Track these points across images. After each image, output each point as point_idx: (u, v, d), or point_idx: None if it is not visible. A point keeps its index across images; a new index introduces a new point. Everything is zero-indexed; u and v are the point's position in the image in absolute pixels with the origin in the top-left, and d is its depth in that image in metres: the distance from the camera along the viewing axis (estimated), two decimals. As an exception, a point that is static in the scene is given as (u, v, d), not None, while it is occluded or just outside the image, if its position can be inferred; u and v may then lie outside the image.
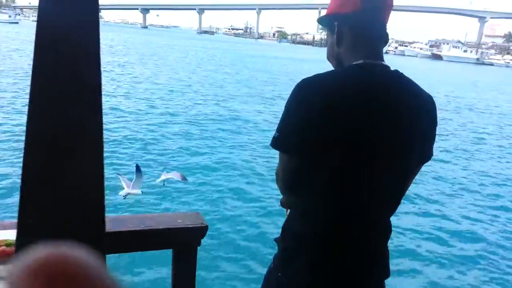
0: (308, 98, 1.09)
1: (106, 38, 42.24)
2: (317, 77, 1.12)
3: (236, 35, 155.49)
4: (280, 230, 1.30)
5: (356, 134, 1.09)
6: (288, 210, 1.34)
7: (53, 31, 0.44)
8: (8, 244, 1.10)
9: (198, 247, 1.48)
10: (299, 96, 1.11)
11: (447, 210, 6.18)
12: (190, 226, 1.42)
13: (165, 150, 7.66)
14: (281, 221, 1.35)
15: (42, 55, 0.44)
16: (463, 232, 5.48)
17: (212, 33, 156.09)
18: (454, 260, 4.69)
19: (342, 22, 1.17)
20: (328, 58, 1.27)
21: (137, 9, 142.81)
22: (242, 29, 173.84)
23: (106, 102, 10.83)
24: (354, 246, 1.18)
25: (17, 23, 64.13)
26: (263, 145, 8.54)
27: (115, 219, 1.40)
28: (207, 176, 6.68)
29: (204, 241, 1.49)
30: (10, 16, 72.07)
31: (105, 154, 0.56)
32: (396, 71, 1.16)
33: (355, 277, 1.19)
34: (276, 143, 1.15)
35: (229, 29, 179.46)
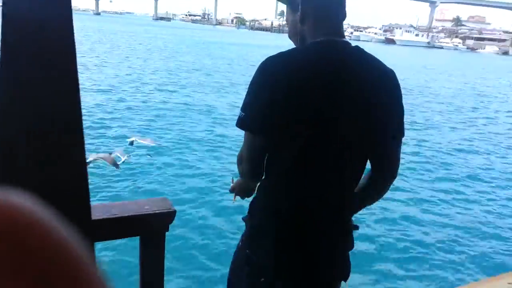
0: (271, 77, 1.10)
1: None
2: (280, 56, 1.13)
3: (193, 21, 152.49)
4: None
5: (319, 113, 1.11)
6: (236, 197, 1.39)
7: (22, 26, 0.42)
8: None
9: (167, 233, 1.47)
10: (263, 75, 1.12)
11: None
12: (157, 211, 1.41)
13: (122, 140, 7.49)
14: (247, 201, 1.37)
15: (9, 52, 0.42)
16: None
17: (169, 19, 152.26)
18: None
19: (306, 0, 1.18)
20: (290, 37, 1.27)
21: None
22: (199, 15, 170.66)
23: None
24: (317, 222, 1.22)
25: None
26: (224, 126, 8.61)
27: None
28: (171, 161, 6.69)
29: (173, 226, 1.49)
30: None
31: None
32: (357, 47, 1.17)
33: (319, 252, 1.23)
34: (242, 123, 1.15)
35: (186, 15, 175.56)
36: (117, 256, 3.74)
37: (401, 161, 1.26)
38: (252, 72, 1.15)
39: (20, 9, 0.41)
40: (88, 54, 19.40)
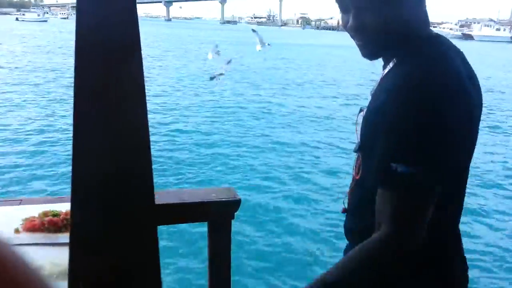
0: (443, 104, 0.77)
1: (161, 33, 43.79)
2: (432, 71, 0.80)
3: (259, 23, 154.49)
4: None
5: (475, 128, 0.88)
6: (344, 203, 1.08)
7: (93, 31, 0.47)
8: (54, 214, 1.19)
9: (232, 221, 1.55)
10: (431, 105, 0.77)
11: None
12: (223, 200, 1.49)
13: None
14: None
15: (83, 56, 0.47)
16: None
17: (235, 22, 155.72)
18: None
19: None
20: (376, 34, 0.87)
21: (161, 2, 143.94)
22: (265, 17, 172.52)
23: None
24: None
25: (45, 21, 66.10)
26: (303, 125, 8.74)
27: (156, 193, 1.47)
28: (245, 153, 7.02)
29: (238, 215, 1.56)
30: (38, 15, 74.43)
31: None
32: None
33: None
34: (420, 182, 0.78)
35: (252, 18, 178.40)
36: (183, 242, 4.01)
37: None
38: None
39: (92, 19, 0.46)
40: (162, 57, 20.50)
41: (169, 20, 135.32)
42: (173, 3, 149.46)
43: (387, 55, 0.91)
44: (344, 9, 0.89)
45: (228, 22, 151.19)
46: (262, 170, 6.33)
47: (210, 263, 1.58)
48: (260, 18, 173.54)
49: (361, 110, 0.96)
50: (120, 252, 0.44)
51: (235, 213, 1.53)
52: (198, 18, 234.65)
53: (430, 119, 0.76)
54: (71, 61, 0.49)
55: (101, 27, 0.48)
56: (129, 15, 0.48)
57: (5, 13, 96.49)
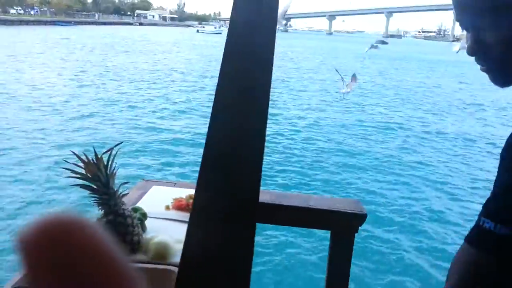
0: None
1: (291, 45, 46.11)
2: None
3: (426, 38, 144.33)
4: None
5: None
6: None
7: (239, 41, 0.55)
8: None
9: (356, 234, 1.52)
10: None
11: None
12: (349, 211, 1.48)
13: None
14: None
15: (227, 63, 0.55)
16: None
17: (400, 36, 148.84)
18: None
19: None
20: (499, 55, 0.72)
21: (325, 16, 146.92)
22: (434, 32, 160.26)
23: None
24: None
25: (220, 33, 74.36)
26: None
27: (282, 195, 1.56)
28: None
29: (363, 230, 1.53)
30: (215, 27, 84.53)
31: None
32: None
33: None
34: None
35: (420, 32, 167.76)
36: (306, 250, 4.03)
37: None
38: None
39: (241, 27, 0.54)
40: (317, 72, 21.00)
41: (331, 33, 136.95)
42: (336, 16, 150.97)
43: None
44: (464, 28, 0.75)
45: (392, 36, 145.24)
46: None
47: (328, 273, 1.59)
48: (429, 32, 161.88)
49: None
50: (222, 237, 0.50)
51: (360, 227, 1.50)
52: (360, 31, 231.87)
53: None
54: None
55: (246, 40, 0.56)
56: (269, 28, 0.55)
57: (189, 26, 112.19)
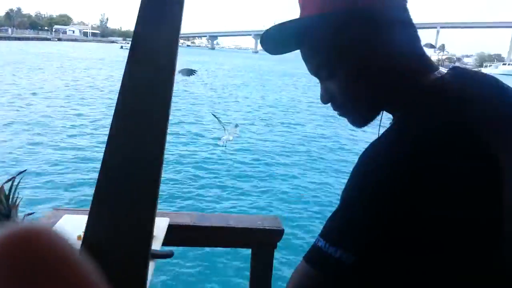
0: None
1: (217, 62, 46.76)
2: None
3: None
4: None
5: None
6: None
7: (142, 53, 0.57)
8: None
9: (275, 250, 1.57)
10: None
11: None
12: (267, 228, 1.53)
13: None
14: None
15: (127, 83, 0.56)
16: None
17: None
18: None
19: None
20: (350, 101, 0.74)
21: (250, 35, 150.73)
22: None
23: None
24: None
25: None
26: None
27: (201, 216, 1.56)
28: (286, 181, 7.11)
29: (280, 244, 1.58)
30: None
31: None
32: None
33: None
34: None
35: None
36: (228, 266, 4.06)
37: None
38: None
39: (143, 39, 0.56)
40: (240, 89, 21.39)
41: (256, 52, 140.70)
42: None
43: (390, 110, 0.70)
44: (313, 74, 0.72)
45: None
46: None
47: (251, 290, 1.62)
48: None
49: None
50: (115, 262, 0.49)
51: (278, 243, 1.56)
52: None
53: None
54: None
55: (148, 52, 0.58)
56: (171, 41, 0.57)
57: (113, 41, 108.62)
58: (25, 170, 1.08)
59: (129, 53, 0.56)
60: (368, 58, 0.65)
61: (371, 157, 0.60)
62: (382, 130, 0.66)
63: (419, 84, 0.63)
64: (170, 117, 0.55)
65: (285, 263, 4.27)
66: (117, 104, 0.57)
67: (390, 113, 0.69)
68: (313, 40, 0.67)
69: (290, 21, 0.67)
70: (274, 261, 1.57)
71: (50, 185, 6.20)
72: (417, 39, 0.68)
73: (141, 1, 0.56)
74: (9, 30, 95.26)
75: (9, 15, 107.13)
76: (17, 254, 0.20)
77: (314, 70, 0.70)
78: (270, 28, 0.68)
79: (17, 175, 1.04)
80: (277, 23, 0.68)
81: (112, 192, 0.54)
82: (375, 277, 0.58)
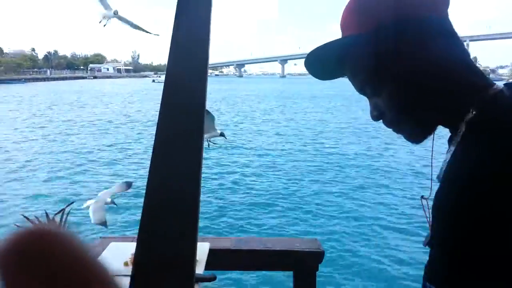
0: None
1: (247, 89, 47.82)
2: None
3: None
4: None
5: None
6: None
7: (173, 90, 0.61)
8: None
9: (317, 272, 1.55)
10: None
11: None
12: (306, 250, 1.51)
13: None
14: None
15: (164, 110, 0.60)
16: None
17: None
18: None
19: None
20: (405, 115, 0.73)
21: (276, 60, 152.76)
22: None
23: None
24: None
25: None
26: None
27: (239, 239, 1.57)
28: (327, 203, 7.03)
29: (322, 267, 1.56)
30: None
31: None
32: None
33: None
34: None
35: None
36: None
37: None
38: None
39: (176, 74, 0.60)
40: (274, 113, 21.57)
41: (284, 76, 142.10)
42: (288, 61, 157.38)
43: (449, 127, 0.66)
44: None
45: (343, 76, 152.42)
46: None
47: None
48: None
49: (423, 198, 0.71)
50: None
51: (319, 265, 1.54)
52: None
53: None
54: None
55: (179, 89, 0.61)
56: (200, 74, 0.61)
57: (145, 76, 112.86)
58: (73, 202, 1.14)
59: (164, 86, 0.60)
60: (417, 72, 0.62)
61: (468, 185, 0.56)
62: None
63: (485, 98, 0.60)
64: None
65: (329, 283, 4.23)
66: (156, 135, 0.60)
67: (447, 127, 0.65)
68: (356, 59, 0.67)
69: (333, 41, 0.67)
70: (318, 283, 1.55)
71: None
72: (466, 52, 0.64)
73: (172, 37, 0.60)
74: (48, 71, 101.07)
75: (47, 57, 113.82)
76: (30, 251, 0.20)
77: (359, 87, 0.69)
78: (312, 50, 0.68)
79: (66, 206, 1.09)
80: (301, 49, 0.68)
81: (156, 221, 0.57)
82: None
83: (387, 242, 5.49)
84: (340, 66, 0.70)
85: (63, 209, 1.07)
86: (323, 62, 0.70)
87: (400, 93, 0.64)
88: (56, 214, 1.07)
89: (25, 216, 1.03)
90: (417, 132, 0.67)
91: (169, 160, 0.58)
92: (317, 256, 1.53)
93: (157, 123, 0.59)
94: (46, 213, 1.04)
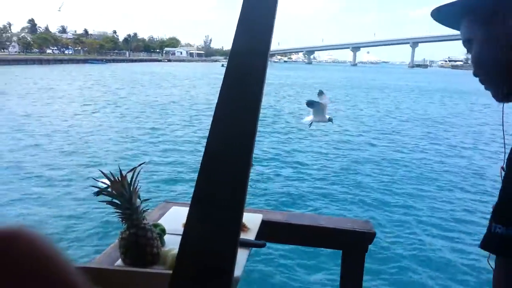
0: None
1: (315, 76, 47.27)
2: None
3: (454, 67, 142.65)
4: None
5: None
6: None
7: (236, 68, 0.64)
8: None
9: (366, 254, 1.57)
10: None
11: None
12: (358, 230, 1.53)
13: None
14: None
15: (227, 81, 0.63)
16: None
17: (426, 66, 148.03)
18: None
19: None
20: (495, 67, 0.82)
21: (348, 48, 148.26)
22: (461, 60, 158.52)
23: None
24: None
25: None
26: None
27: (292, 214, 1.63)
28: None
29: (372, 249, 1.57)
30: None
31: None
32: None
33: None
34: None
35: (446, 61, 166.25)
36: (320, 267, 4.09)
37: None
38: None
39: (236, 70, 0.65)
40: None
41: (355, 65, 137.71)
42: (361, 48, 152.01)
43: None
44: (467, 48, 0.79)
45: (418, 65, 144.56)
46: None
47: (341, 291, 1.63)
48: (456, 61, 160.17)
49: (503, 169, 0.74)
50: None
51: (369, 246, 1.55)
52: (385, 62, 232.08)
53: None
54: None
55: (241, 67, 0.68)
56: (262, 56, 0.67)
57: (216, 60, 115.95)
58: (144, 162, 1.26)
59: (226, 69, 0.67)
60: None
61: None
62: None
63: None
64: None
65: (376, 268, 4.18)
66: (215, 112, 0.67)
67: None
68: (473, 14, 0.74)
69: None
70: (365, 264, 1.56)
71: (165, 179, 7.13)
72: None
73: (237, 25, 0.67)
74: (127, 53, 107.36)
75: (126, 40, 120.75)
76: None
77: (466, 40, 0.77)
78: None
79: (138, 166, 1.22)
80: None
81: (208, 191, 0.64)
82: None
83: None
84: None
85: (135, 168, 1.20)
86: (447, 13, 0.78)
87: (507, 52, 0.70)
88: (128, 172, 1.20)
89: (102, 172, 1.17)
90: (502, 89, 0.74)
91: (224, 133, 0.65)
92: (367, 237, 1.54)
93: (218, 96, 0.66)
94: (120, 170, 1.18)
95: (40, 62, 63.62)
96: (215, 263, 0.54)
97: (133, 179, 1.21)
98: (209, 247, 0.55)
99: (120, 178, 1.18)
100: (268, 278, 3.91)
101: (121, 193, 1.18)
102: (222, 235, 0.57)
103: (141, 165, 1.23)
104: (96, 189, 1.17)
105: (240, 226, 0.59)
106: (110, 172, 1.17)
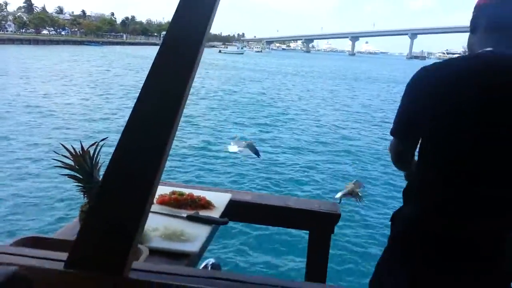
0: (419, 87, 1.13)
1: (313, 65, 47.23)
2: (434, 66, 1.14)
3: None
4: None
5: (472, 125, 1.04)
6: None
7: (169, 49, 0.66)
8: (180, 194, 1.47)
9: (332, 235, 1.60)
10: (413, 85, 1.15)
11: None
12: (324, 211, 1.56)
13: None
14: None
15: (160, 60, 0.65)
16: None
17: (424, 58, 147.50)
18: None
19: (479, 12, 1.14)
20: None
21: (347, 37, 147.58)
22: (459, 53, 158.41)
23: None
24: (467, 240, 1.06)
25: (242, 53, 76.05)
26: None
27: (261, 195, 1.65)
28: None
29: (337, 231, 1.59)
30: (238, 48, 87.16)
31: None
32: None
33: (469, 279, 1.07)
34: (391, 129, 1.24)
35: (444, 53, 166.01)
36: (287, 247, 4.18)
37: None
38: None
39: (175, 38, 0.70)
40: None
41: (353, 54, 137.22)
42: (360, 38, 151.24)
43: None
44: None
45: (416, 57, 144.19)
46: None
47: (307, 271, 1.66)
48: (454, 53, 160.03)
49: None
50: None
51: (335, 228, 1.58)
52: (383, 53, 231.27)
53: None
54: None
55: (174, 49, 0.69)
56: (198, 38, 0.68)
57: (213, 46, 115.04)
58: (106, 138, 1.27)
59: (159, 48, 0.68)
60: None
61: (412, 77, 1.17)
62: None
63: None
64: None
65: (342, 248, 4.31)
66: (140, 91, 0.69)
67: None
68: None
69: None
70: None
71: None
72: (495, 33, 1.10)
73: (176, 8, 0.68)
74: (124, 36, 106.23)
75: (124, 22, 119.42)
76: None
77: None
78: None
79: (100, 141, 1.22)
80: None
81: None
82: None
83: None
84: None
85: (97, 142, 1.21)
86: None
87: None
88: (90, 146, 1.21)
89: (63, 145, 1.18)
90: None
91: (145, 118, 0.67)
92: (333, 218, 1.56)
93: (146, 77, 0.66)
94: (81, 144, 1.18)
95: (36, 42, 62.89)
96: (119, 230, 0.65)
97: (95, 154, 1.22)
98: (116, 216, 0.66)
99: (81, 152, 1.19)
100: (236, 257, 3.98)
101: (83, 166, 1.19)
102: (129, 205, 0.66)
103: (104, 140, 1.23)
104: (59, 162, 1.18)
105: (148, 201, 0.67)
106: (72, 146, 1.17)
